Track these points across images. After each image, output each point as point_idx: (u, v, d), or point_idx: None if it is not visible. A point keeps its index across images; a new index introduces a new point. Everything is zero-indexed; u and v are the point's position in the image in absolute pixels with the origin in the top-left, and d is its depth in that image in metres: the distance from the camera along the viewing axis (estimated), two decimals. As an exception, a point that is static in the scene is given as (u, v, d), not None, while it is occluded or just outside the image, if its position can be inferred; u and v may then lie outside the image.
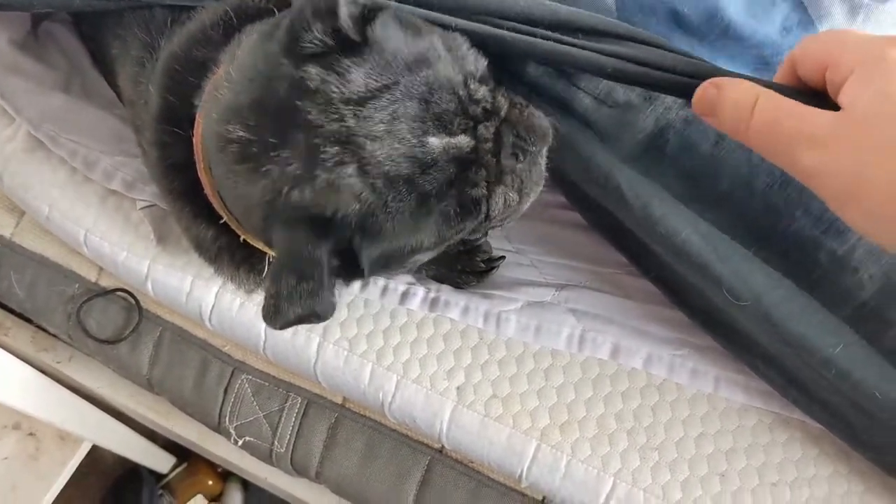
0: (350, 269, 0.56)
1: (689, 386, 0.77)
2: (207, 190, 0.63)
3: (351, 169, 0.52)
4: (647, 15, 0.71)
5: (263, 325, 0.83)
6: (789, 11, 0.71)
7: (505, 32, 0.63)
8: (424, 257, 0.60)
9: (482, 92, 0.56)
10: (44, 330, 1.12)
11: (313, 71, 0.53)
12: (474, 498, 0.85)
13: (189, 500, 1.58)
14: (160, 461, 1.59)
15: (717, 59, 0.71)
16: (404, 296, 0.84)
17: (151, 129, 0.67)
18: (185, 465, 1.61)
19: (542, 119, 0.60)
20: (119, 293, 0.94)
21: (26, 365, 1.04)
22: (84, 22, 0.90)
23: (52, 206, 0.87)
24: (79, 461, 1.33)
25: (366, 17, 0.55)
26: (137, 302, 0.94)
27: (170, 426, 1.11)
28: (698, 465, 0.75)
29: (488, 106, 0.57)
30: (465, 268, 0.83)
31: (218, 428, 0.94)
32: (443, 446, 0.86)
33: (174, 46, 0.68)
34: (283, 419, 0.91)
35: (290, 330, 0.83)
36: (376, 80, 0.53)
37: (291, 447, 0.91)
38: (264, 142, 0.54)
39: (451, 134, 0.54)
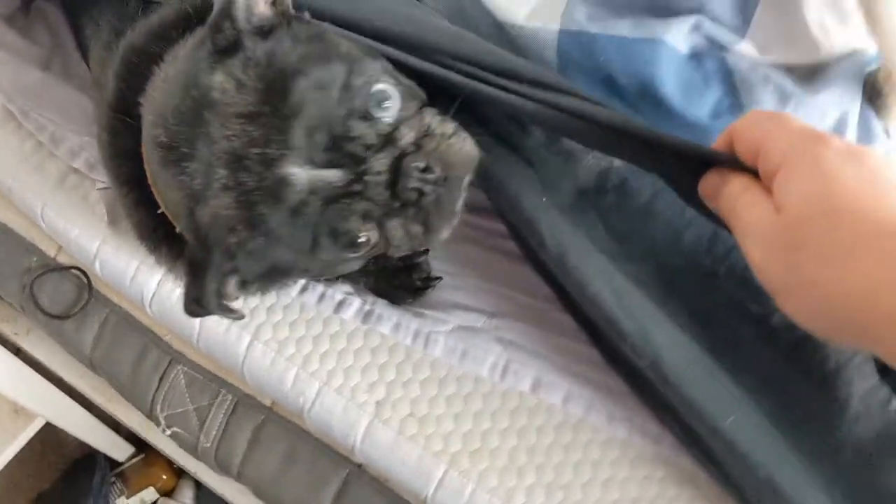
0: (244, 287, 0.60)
1: (604, 429, 0.76)
2: (150, 180, 0.65)
3: (229, 199, 0.53)
4: (586, 78, 0.73)
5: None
6: (721, 95, 0.72)
7: (453, 75, 0.64)
8: (311, 274, 0.61)
9: (361, 129, 0.55)
10: (6, 302, 1.15)
11: (218, 79, 0.54)
12: (386, 516, 0.85)
13: (140, 490, 1.59)
14: (118, 449, 1.60)
15: None
16: (340, 305, 0.84)
17: (104, 114, 0.69)
18: (141, 456, 1.62)
19: (464, 150, 0.59)
20: (73, 271, 0.96)
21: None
22: (68, 1, 0.93)
23: (15, 177, 0.90)
24: (30, 436, 1.34)
25: (263, 30, 0.56)
26: (89, 282, 0.96)
27: (112, 409, 1.13)
28: (602, 509, 0.74)
29: (370, 143, 0.55)
30: (402, 284, 0.84)
31: (150, 414, 0.95)
32: (361, 463, 0.86)
33: (135, 37, 0.70)
34: (211, 414, 0.92)
35: (223, 325, 0.85)
36: (263, 98, 0.53)
37: (217, 443, 0.92)
38: (179, 151, 0.55)
39: (317, 167, 0.53)
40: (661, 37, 0.71)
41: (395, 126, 0.57)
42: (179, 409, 0.93)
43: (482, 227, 0.84)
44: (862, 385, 0.64)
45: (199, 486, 1.60)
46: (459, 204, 0.62)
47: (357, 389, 0.81)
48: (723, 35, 0.73)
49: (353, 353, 0.82)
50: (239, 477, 0.92)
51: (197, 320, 0.86)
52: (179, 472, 1.62)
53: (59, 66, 0.93)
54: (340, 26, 0.64)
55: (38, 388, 1.23)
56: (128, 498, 1.59)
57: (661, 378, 0.64)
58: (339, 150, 0.54)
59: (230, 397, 0.91)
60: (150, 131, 0.59)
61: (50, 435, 1.57)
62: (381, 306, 0.84)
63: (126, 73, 0.68)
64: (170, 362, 0.94)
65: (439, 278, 0.84)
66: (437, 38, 0.66)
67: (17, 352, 1.24)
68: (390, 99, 0.57)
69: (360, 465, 0.87)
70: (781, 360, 0.67)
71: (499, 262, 0.83)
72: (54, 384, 1.29)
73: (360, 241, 0.57)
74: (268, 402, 0.91)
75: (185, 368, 0.93)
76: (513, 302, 0.82)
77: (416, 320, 0.83)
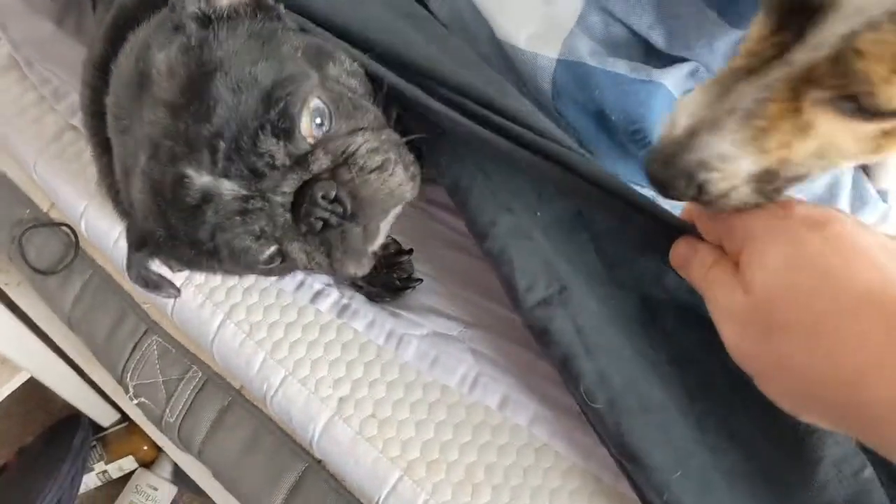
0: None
1: (567, 457, 0.74)
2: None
3: (144, 185, 0.53)
4: (577, 110, 0.71)
5: (175, 288, 0.84)
6: None
7: (434, 103, 0.62)
8: (229, 274, 0.62)
9: (269, 145, 0.51)
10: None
11: (160, 59, 0.53)
12: (337, 516, 0.83)
13: (120, 458, 1.59)
14: (103, 414, 1.60)
15: (635, 174, 0.71)
16: (317, 295, 0.82)
17: (88, 71, 0.69)
18: (125, 424, 1.62)
19: (383, 188, 0.55)
20: (63, 228, 0.96)
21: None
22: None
23: (12, 126, 0.90)
24: (13, 388, 1.34)
25: (213, 17, 0.54)
26: (77, 240, 0.95)
27: (90, 371, 1.12)
28: (554, 539, 0.71)
29: (277, 162, 0.52)
30: (381, 281, 0.82)
31: (120, 380, 0.94)
32: (321, 459, 0.84)
33: (126, 1, 0.69)
34: (179, 389, 0.91)
35: (198, 300, 0.83)
36: (184, 90, 0.51)
37: (181, 419, 0.91)
38: (122, 123, 0.56)
39: (214, 174, 0.51)
40: (658, 79, 0.69)
41: (312, 148, 0.53)
42: (149, 380, 0.91)
43: (465, 232, 0.82)
44: (835, 450, 0.60)
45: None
46: (372, 245, 0.58)
47: (322, 383, 0.79)
48: None
49: (324, 345, 0.80)
50: (199, 455, 0.91)
51: (173, 292, 0.84)
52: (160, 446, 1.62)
53: (72, 22, 0.93)
54: (316, 24, 0.62)
55: (24, 342, 1.23)
56: (106, 464, 1.59)
57: (613, 424, 0.61)
58: (241, 161, 0.51)
59: (200, 374, 0.90)
60: (110, 97, 0.59)
61: (38, 392, 1.58)
62: (359, 302, 0.82)
63: (112, 35, 0.67)
64: (145, 331, 0.93)
65: (420, 280, 0.81)
66: (416, 55, 0.64)
67: (13, 307, 1.25)
68: (322, 116, 0.54)
69: (319, 461, 0.85)
70: (755, 412, 0.63)
71: (482, 272, 0.81)
72: (44, 341, 1.29)
73: (260, 259, 0.55)
74: (236, 385, 0.89)
75: (160, 339, 0.92)
76: (491, 314, 0.80)
77: (391, 320, 0.81)
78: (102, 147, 0.68)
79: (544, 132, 0.60)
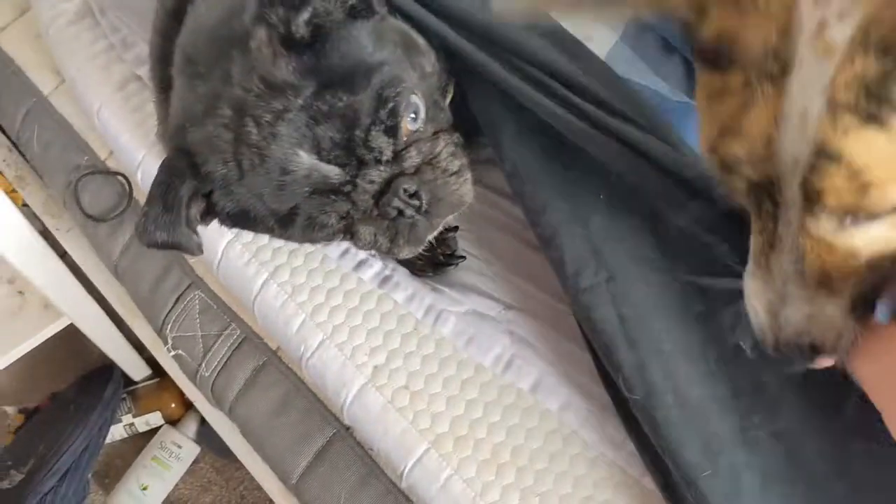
0: (210, 214, 0.62)
1: (595, 446, 0.73)
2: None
3: (229, 136, 0.56)
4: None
5: (223, 244, 0.85)
6: None
7: (539, 97, 0.64)
8: (275, 235, 0.64)
9: (381, 141, 0.57)
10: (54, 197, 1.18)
11: (260, 34, 0.56)
12: (360, 484, 0.83)
13: (148, 413, 1.62)
14: (135, 368, 1.62)
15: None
16: (361, 264, 0.83)
17: (160, 17, 0.71)
18: (156, 380, 1.65)
19: (457, 192, 0.62)
20: (119, 177, 0.98)
21: (30, 224, 1.10)
22: None
23: (79, 70, 0.92)
24: (52, 332, 1.37)
25: (319, 23, 0.57)
26: (131, 190, 0.97)
27: (130, 321, 1.14)
28: (575, 526, 0.72)
29: (383, 157, 0.58)
30: (424, 256, 0.82)
31: (159, 332, 0.96)
32: (350, 426, 0.85)
33: None
34: (217, 345, 0.92)
35: (244, 258, 0.85)
36: (293, 78, 0.55)
37: (216, 374, 0.92)
38: (197, 69, 0.58)
39: (322, 159, 0.56)
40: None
41: (407, 145, 0.59)
42: (188, 333, 0.93)
43: (519, 217, 0.82)
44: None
45: (203, 421, 1.62)
46: (429, 236, 0.64)
47: (358, 350, 0.80)
48: None
49: (363, 313, 0.81)
50: (230, 413, 0.92)
51: (221, 248, 0.86)
52: (188, 405, 1.64)
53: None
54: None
55: (69, 289, 1.26)
56: (134, 417, 1.62)
57: (648, 417, 0.61)
58: (350, 151, 0.56)
59: (238, 332, 0.92)
60: (184, 36, 0.61)
61: (75, 341, 1.62)
62: (400, 274, 0.83)
63: None
64: (189, 285, 0.94)
65: (463, 258, 0.82)
66: (504, 30, 0.65)
67: (63, 255, 1.28)
68: (416, 115, 0.59)
69: (348, 428, 0.86)
70: (806, 414, 0.62)
71: (526, 255, 0.81)
72: (87, 290, 1.32)
73: (332, 234, 0.60)
74: (273, 346, 0.90)
75: (202, 295, 0.94)
76: (533, 300, 0.80)
77: (431, 295, 0.81)
78: (166, 94, 0.70)
79: (623, 113, 0.60)
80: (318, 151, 0.56)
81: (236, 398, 0.91)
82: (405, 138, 0.59)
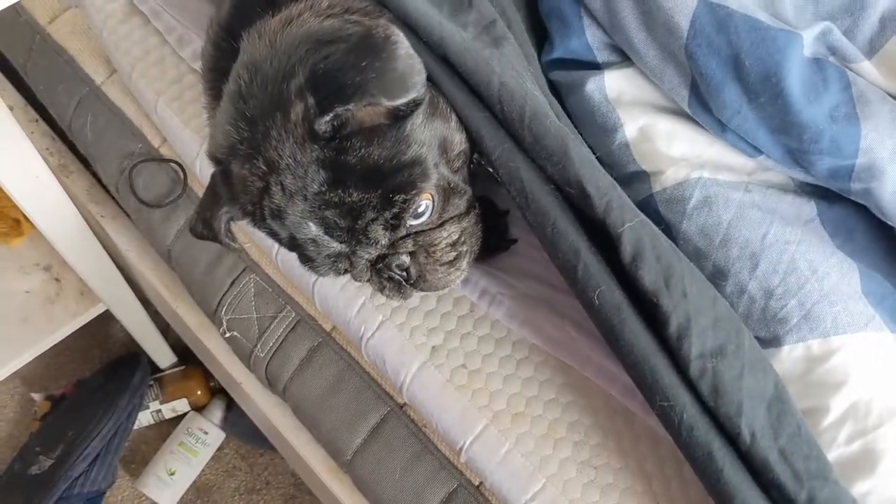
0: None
1: (642, 420, 0.77)
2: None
3: (260, 185, 0.65)
4: (711, 53, 0.73)
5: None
6: (838, 103, 0.72)
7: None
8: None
9: (378, 234, 0.65)
10: (100, 184, 1.20)
11: (298, 109, 0.61)
12: (415, 459, 0.87)
13: (174, 399, 1.64)
14: (162, 356, 1.65)
15: (758, 128, 0.73)
16: (417, 249, 0.86)
17: (214, 30, 0.75)
18: (182, 368, 1.67)
19: (445, 279, 0.71)
20: (173, 164, 1.01)
21: (75, 210, 1.12)
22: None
23: (135, 66, 0.94)
24: (88, 319, 1.40)
25: (340, 124, 0.62)
26: (185, 177, 1.00)
27: (175, 307, 1.17)
28: (630, 497, 0.75)
29: (379, 244, 0.66)
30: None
31: (213, 315, 0.99)
32: (404, 403, 0.88)
33: None
34: (272, 327, 0.95)
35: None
36: (313, 166, 0.62)
37: (271, 355, 0.95)
38: (244, 109, 0.64)
39: (327, 234, 0.65)
40: (798, 31, 0.71)
41: (406, 235, 0.67)
42: (244, 316, 0.96)
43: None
44: None
45: (229, 408, 1.65)
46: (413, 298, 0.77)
47: (417, 331, 0.83)
48: (848, 50, 0.73)
49: (420, 296, 0.84)
50: (284, 393, 0.95)
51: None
52: (214, 391, 1.67)
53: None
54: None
55: (109, 276, 1.28)
56: (161, 403, 1.64)
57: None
58: (352, 235, 0.64)
59: (293, 314, 0.95)
60: (238, 70, 0.66)
61: (100, 328, 1.64)
62: (456, 258, 0.86)
63: (241, 4, 0.75)
64: (244, 269, 0.97)
65: (514, 241, 0.85)
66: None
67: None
68: (423, 213, 0.66)
69: (402, 406, 0.89)
70: None
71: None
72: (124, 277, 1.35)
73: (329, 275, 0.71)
74: (328, 327, 0.93)
75: (257, 278, 0.96)
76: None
77: (485, 279, 0.84)
78: (215, 103, 0.74)
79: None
80: (325, 228, 0.64)
81: (291, 378, 0.94)
82: (405, 230, 0.66)
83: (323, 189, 0.62)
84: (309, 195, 0.63)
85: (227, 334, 0.97)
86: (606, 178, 0.68)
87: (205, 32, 0.80)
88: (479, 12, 0.74)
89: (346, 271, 0.70)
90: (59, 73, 1.08)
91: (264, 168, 0.64)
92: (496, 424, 0.79)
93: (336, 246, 0.66)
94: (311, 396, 0.92)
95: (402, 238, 0.68)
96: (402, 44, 0.60)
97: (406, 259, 0.69)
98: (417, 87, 0.61)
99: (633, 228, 0.65)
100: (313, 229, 0.64)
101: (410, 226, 0.67)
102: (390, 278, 0.70)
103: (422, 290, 0.72)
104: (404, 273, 0.70)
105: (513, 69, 0.71)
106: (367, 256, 0.68)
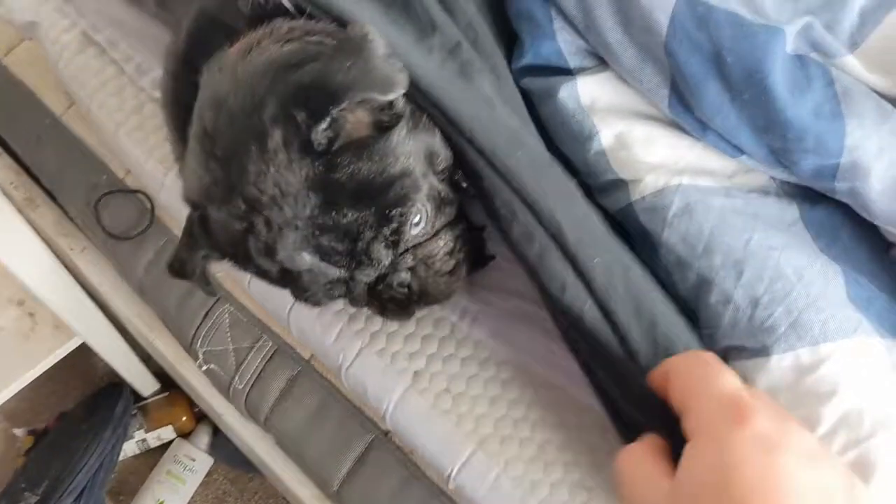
0: None
1: (639, 438, 0.75)
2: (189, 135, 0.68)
3: (241, 226, 0.60)
4: (692, 50, 0.71)
5: (254, 259, 0.86)
6: (823, 100, 0.70)
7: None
8: None
9: (381, 254, 0.61)
10: (68, 216, 1.17)
11: (276, 136, 0.57)
12: (403, 487, 0.85)
13: (159, 427, 1.62)
14: (145, 384, 1.62)
15: (741, 127, 0.71)
16: (394, 271, 0.84)
17: (171, 60, 0.72)
18: (166, 394, 1.65)
19: (447, 289, 0.69)
20: (140, 195, 0.98)
21: (44, 245, 1.09)
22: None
23: (94, 98, 0.91)
24: (65, 353, 1.37)
25: (335, 136, 0.58)
26: (153, 207, 0.97)
27: (152, 338, 1.14)
28: (624, 517, 0.73)
29: (381, 264, 0.62)
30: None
31: (189, 348, 0.96)
32: (388, 430, 0.86)
33: (207, 2, 0.71)
34: (249, 357, 0.93)
35: (276, 271, 0.85)
36: (303, 190, 0.58)
37: (250, 387, 0.93)
38: (213, 149, 0.60)
39: (323, 260, 0.60)
40: (780, 25, 0.70)
41: (405, 250, 0.64)
42: (219, 348, 0.94)
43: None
44: None
45: (215, 433, 1.62)
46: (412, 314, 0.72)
47: (398, 356, 0.81)
48: (831, 45, 0.72)
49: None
50: (265, 424, 0.93)
51: (252, 262, 0.86)
52: (199, 417, 1.64)
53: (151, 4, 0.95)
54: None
55: (83, 309, 1.25)
56: (146, 432, 1.62)
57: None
58: (351, 258, 0.60)
59: (270, 343, 0.92)
60: (201, 108, 0.62)
61: (80, 358, 1.61)
62: (434, 278, 0.84)
63: (197, 33, 0.71)
64: (217, 300, 0.95)
65: (492, 257, 0.83)
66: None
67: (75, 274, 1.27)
68: (419, 223, 0.63)
69: (386, 433, 0.87)
70: None
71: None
72: (99, 308, 1.32)
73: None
74: (306, 355, 0.91)
75: (231, 308, 0.94)
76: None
77: (465, 297, 0.82)
78: (177, 135, 0.71)
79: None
80: (321, 255, 0.60)
81: (272, 409, 0.91)
82: (404, 245, 0.64)
83: (315, 213, 0.58)
84: (300, 224, 0.59)
85: (204, 367, 0.94)
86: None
87: (162, 63, 0.78)
88: (443, 34, 0.71)
89: (341, 297, 0.67)
90: (18, 105, 1.05)
91: (244, 207, 0.60)
92: (484, 450, 0.77)
93: (334, 272, 0.62)
94: (293, 427, 0.90)
95: (401, 254, 0.65)
96: (380, 41, 0.58)
97: (407, 276, 0.66)
98: (404, 82, 0.59)
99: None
100: (308, 259, 0.60)
101: (410, 238, 0.64)
102: (391, 298, 0.67)
103: (426, 304, 0.69)
104: (405, 290, 0.67)
105: (483, 101, 0.69)
106: (366, 279, 0.64)
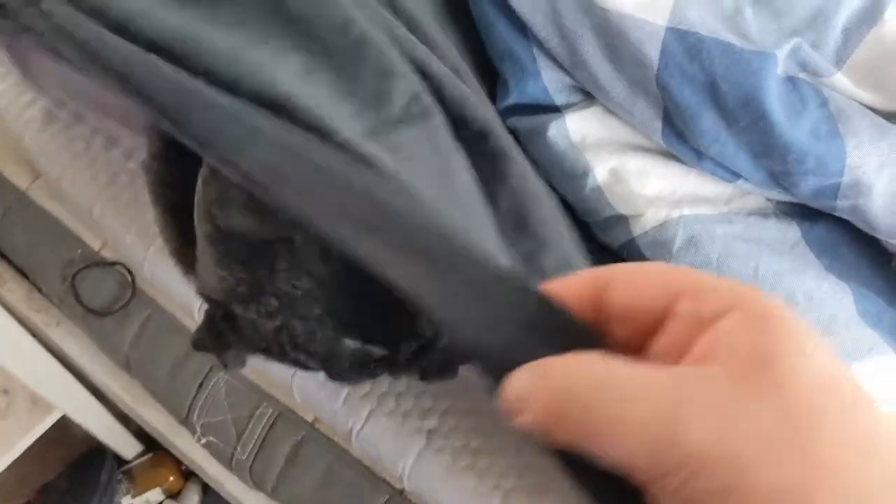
0: None
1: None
2: None
3: (273, 325, 0.57)
4: (684, 82, 0.70)
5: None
6: (819, 120, 0.70)
7: None
8: None
9: (423, 323, 0.59)
10: (40, 290, 1.12)
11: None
12: (425, 547, 0.82)
13: (147, 490, 1.56)
14: (127, 447, 1.57)
15: (738, 154, 0.71)
16: (396, 327, 0.82)
17: (156, 142, 0.67)
18: (150, 455, 1.59)
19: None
20: (118, 267, 0.94)
21: (15, 321, 1.04)
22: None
23: (63, 174, 0.88)
24: (45, 429, 1.31)
25: None
26: (133, 280, 0.93)
27: (140, 411, 1.10)
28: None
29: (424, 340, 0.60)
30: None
31: (185, 421, 0.93)
32: (403, 488, 0.84)
33: None
34: (250, 426, 0.89)
35: (275, 337, 0.82)
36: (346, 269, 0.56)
37: (253, 456, 0.89)
38: (229, 250, 0.57)
39: (366, 342, 0.58)
40: (771, 50, 0.69)
41: None
42: (217, 419, 0.90)
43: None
44: None
45: (205, 490, 1.57)
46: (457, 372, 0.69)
47: (410, 415, 0.79)
48: (820, 64, 0.72)
49: (405, 378, 0.80)
50: (273, 493, 0.90)
51: (248, 330, 0.83)
52: (187, 475, 1.59)
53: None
54: None
55: (61, 382, 1.20)
56: (133, 497, 1.56)
57: None
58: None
59: (271, 410, 0.89)
60: (209, 205, 0.58)
61: (60, 429, 1.55)
62: (438, 329, 0.82)
63: None
64: (211, 369, 0.91)
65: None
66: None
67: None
68: None
69: (401, 491, 0.84)
70: None
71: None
72: (75, 377, 1.27)
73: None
74: (309, 419, 0.88)
75: (226, 377, 0.91)
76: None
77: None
78: (171, 213, 0.67)
79: None
80: (363, 337, 0.58)
81: (278, 478, 0.88)
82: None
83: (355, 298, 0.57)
84: (340, 310, 0.57)
85: (203, 440, 0.91)
86: None
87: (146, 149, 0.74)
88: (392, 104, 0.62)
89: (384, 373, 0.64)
90: (-21, 184, 1.01)
91: (276, 304, 0.57)
92: (508, 503, 0.75)
93: (378, 351, 0.59)
94: (302, 495, 0.87)
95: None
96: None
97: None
98: None
99: None
100: (350, 343, 0.58)
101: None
102: (433, 362, 0.63)
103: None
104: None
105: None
106: (410, 350, 0.61)
